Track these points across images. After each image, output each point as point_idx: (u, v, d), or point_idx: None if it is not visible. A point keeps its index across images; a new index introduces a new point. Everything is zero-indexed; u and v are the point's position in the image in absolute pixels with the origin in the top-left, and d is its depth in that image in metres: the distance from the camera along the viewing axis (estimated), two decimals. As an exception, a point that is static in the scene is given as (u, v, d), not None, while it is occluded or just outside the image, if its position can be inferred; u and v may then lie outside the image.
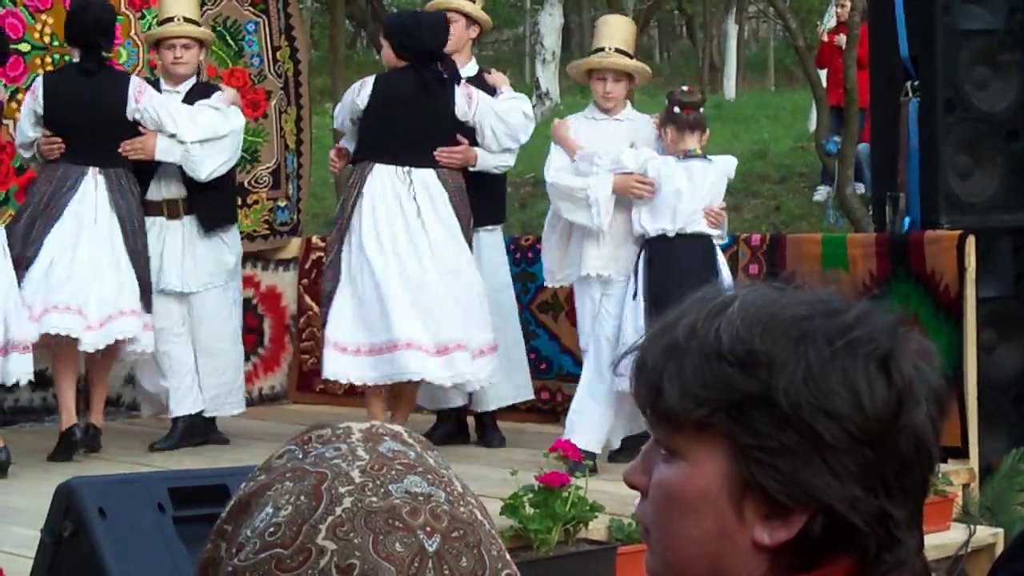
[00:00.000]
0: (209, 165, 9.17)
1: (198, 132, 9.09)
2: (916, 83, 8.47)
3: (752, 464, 1.70)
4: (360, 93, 9.14)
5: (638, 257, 8.62)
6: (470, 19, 9.51)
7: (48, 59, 10.58)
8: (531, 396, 9.65)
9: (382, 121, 9.02)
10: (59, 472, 6.00)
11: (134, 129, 9.08)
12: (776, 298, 1.76)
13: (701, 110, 8.79)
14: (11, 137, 9.85)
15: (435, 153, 9.03)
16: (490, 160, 9.27)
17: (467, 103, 9.07)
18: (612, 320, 8.72)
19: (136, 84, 9.13)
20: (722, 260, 8.70)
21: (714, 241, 8.64)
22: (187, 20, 9.37)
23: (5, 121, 9.41)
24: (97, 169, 8.96)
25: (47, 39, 10.55)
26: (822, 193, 17.39)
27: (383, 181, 8.92)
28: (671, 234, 8.49)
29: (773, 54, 33.88)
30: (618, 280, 8.72)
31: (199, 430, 9.38)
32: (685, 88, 9.03)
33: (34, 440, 9.55)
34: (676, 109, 8.63)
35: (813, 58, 17.76)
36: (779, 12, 18.51)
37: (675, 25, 42.59)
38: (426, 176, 8.93)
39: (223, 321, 9.72)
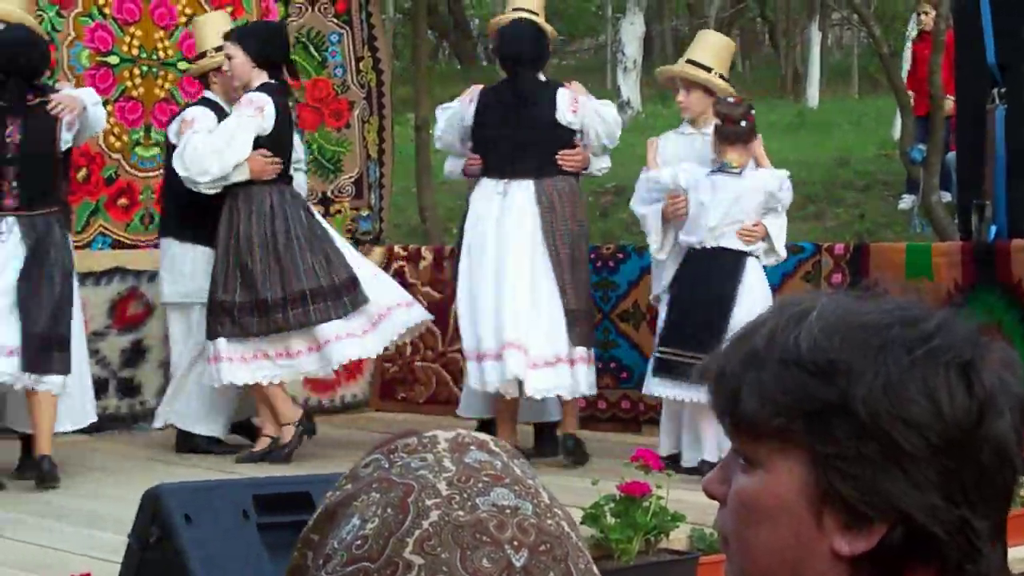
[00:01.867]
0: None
1: None
2: (1003, 90, 8.47)
3: (831, 473, 1.69)
4: (467, 108, 9.19)
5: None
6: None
7: (136, 71, 10.68)
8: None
9: (482, 136, 9.09)
10: (145, 479, 6.00)
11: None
12: (856, 306, 1.74)
13: (744, 123, 8.74)
14: (101, 148, 10.06)
15: (559, 158, 9.04)
16: (593, 164, 9.32)
17: (572, 106, 9.07)
18: None
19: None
20: (756, 277, 8.69)
21: (754, 256, 8.67)
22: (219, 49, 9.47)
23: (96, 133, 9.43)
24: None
25: (135, 51, 10.69)
26: (907, 202, 17.30)
27: (485, 194, 9.01)
28: (700, 247, 8.57)
29: (857, 61, 33.69)
30: None
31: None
32: (731, 99, 9.03)
33: (122, 447, 9.65)
34: (717, 121, 8.69)
35: (899, 65, 17.64)
36: (863, 19, 18.51)
37: (757, 32, 42.48)
38: (529, 186, 8.98)
39: None
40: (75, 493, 8.29)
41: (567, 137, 9.16)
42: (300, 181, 9.70)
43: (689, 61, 9.04)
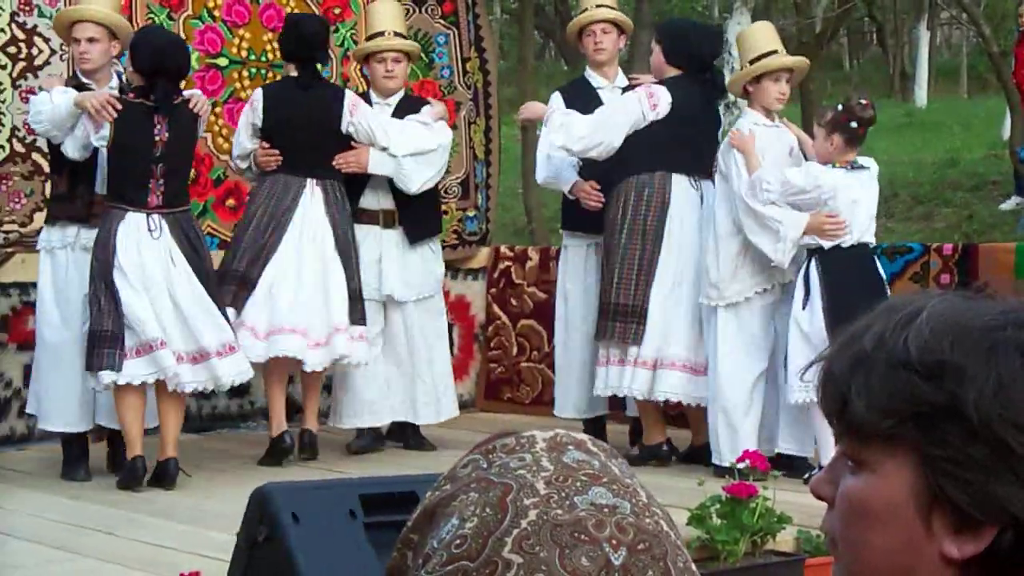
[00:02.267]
0: (419, 179, 9.27)
1: (409, 146, 9.19)
2: None
3: (940, 476, 1.67)
4: (659, 106, 9.08)
5: (806, 268, 8.66)
6: (620, 30, 9.62)
7: (244, 73, 10.84)
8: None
9: (675, 132, 9.01)
10: (253, 478, 6.10)
11: (347, 142, 9.23)
12: (966, 308, 1.72)
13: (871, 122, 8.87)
14: (209, 149, 10.20)
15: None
16: None
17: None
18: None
19: (350, 98, 9.27)
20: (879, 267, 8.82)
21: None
22: (396, 34, 9.49)
23: (204, 134, 9.60)
24: (314, 181, 9.11)
25: (244, 53, 10.83)
26: (1011, 203, 17.33)
27: (682, 191, 9.00)
28: (847, 244, 8.55)
29: (966, 60, 33.34)
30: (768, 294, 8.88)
31: (400, 436, 9.55)
32: (863, 102, 8.97)
33: (231, 446, 9.77)
34: (853, 124, 8.63)
35: (1009, 64, 17.50)
36: (972, 18, 18.52)
37: (865, 32, 42.17)
38: (708, 186, 9.04)
39: (437, 329, 9.80)
40: (185, 492, 8.40)
41: None
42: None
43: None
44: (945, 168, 19.07)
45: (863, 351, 1.74)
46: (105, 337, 8.55)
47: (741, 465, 7.30)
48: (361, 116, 9.29)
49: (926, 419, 1.67)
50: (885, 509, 1.72)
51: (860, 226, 8.65)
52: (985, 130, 19.99)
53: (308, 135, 9.17)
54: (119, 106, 8.52)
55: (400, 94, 9.55)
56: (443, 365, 9.82)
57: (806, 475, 7.75)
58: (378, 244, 9.55)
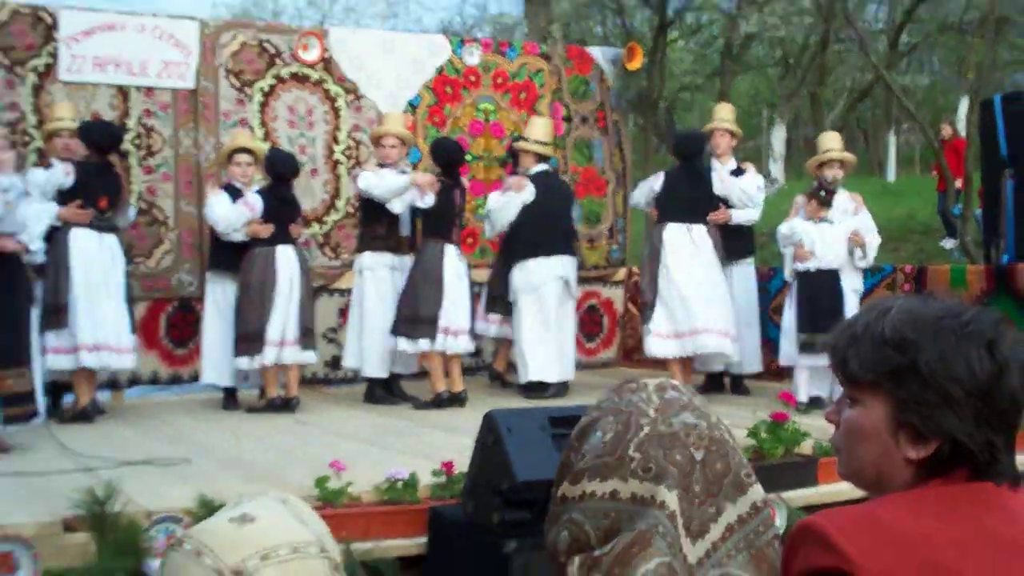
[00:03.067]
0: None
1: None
2: (1012, 171, 8.25)
3: (904, 410, 1.64)
4: (656, 182, 8.93)
5: (793, 281, 8.49)
6: (732, 134, 9.27)
7: (480, 164, 10.59)
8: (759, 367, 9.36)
9: (678, 196, 8.73)
10: (485, 406, 5.84)
11: None
12: (921, 306, 1.66)
13: (835, 192, 8.48)
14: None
15: (710, 216, 8.88)
16: (741, 215, 9.12)
17: (720, 182, 8.96)
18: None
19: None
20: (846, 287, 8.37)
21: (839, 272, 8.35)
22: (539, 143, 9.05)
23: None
24: None
25: (480, 152, 10.67)
26: (949, 242, 16.79)
27: (677, 233, 8.76)
28: (813, 269, 8.35)
29: (919, 151, 32.53)
30: None
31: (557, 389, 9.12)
32: (829, 181, 8.64)
33: (481, 386, 9.56)
34: (822, 193, 8.45)
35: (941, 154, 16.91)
36: (922, 127, 17.36)
37: (856, 136, 39.55)
38: (702, 228, 8.77)
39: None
40: (453, 414, 8.29)
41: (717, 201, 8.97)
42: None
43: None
44: (906, 220, 18.87)
45: (855, 332, 1.69)
46: (422, 320, 8.39)
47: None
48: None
49: (895, 375, 1.63)
50: (870, 429, 1.67)
51: (826, 258, 8.36)
52: (931, 196, 18.67)
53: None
54: (438, 184, 8.67)
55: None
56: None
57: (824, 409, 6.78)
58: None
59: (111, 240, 8.33)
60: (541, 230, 9.02)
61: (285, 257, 8.54)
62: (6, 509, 5.23)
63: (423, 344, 8.49)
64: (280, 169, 8.61)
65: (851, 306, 8.32)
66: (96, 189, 8.28)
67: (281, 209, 8.60)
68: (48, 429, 7.43)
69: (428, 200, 8.61)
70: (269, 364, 8.44)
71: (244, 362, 8.48)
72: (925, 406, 1.62)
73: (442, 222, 8.68)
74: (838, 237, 8.40)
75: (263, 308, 8.40)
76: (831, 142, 8.89)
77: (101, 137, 8.35)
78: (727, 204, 9.07)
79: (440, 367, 8.59)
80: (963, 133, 17.34)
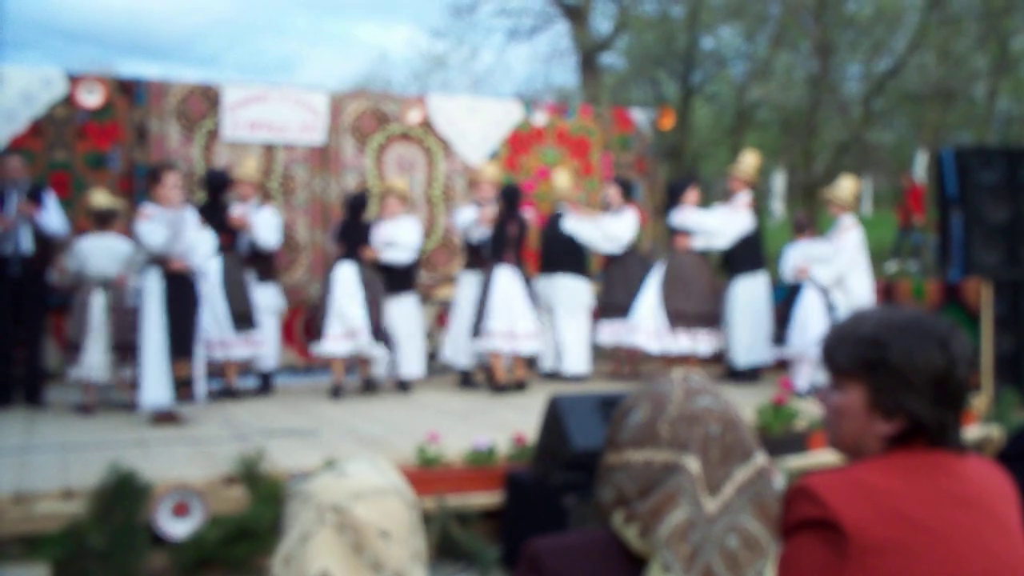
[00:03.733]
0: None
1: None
2: (959, 208, 7.92)
3: (877, 394, 1.59)
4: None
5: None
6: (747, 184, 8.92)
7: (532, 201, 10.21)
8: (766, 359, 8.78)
9: None
10: (543, 393, 5.51)
11: None
12: (891, 313, 1.62)
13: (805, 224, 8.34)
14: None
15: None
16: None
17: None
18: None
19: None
20: (805, 301, 8.06)
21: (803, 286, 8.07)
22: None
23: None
24: None
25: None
26: (892, 265, 16.48)
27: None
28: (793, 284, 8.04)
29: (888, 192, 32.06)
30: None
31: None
32: (802, 214, 8.57)
33: (538, 381, 8.94)
34: (800, 223, 8.42)
35: (902, 197, 16.84)
36: (887, 173, 17.22)
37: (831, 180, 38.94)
38: None
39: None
40: (520, 397, 8.02)
41: None
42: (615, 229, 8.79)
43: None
44: (876, 247, 17.32)
45: (841, 334, 1.64)
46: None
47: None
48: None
49: (871, 367, 1.59)
50: (850, 409, 1.62)
51: (791, 272, 8.25)
52: (886, 231, 18.49)
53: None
54: (491, 218, 8.19)
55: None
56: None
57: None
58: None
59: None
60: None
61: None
62: (182, 467, 5.28)
63: (490, 344, 8.26)
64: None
65: (807, 314, 8.07)
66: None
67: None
68: (212, 406, 7.43)
69: (481, 232, 8.36)
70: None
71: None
72: (893, 391, 1.59)
73: (499, 248, 8.34)
74: (797, 260, 8.23)
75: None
76: (833, 187, 8.56)
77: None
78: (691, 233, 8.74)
79: (501, 363, 8.32)
80: (920, 182, 17.16)
